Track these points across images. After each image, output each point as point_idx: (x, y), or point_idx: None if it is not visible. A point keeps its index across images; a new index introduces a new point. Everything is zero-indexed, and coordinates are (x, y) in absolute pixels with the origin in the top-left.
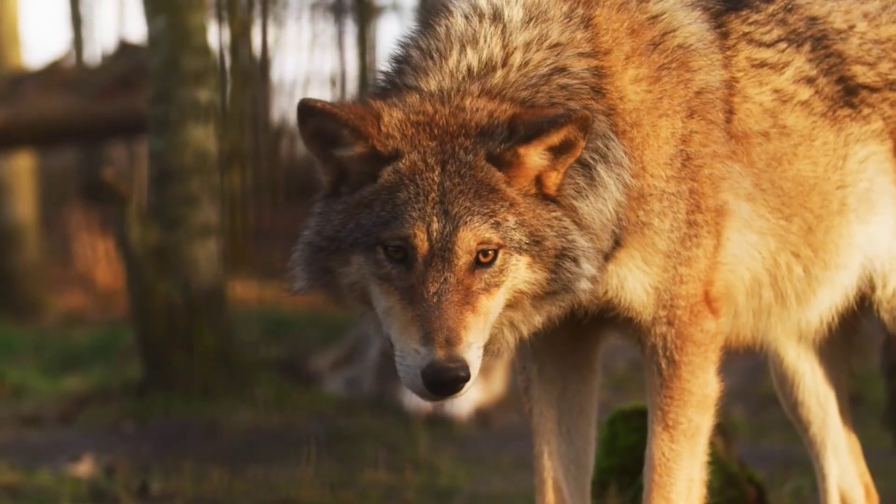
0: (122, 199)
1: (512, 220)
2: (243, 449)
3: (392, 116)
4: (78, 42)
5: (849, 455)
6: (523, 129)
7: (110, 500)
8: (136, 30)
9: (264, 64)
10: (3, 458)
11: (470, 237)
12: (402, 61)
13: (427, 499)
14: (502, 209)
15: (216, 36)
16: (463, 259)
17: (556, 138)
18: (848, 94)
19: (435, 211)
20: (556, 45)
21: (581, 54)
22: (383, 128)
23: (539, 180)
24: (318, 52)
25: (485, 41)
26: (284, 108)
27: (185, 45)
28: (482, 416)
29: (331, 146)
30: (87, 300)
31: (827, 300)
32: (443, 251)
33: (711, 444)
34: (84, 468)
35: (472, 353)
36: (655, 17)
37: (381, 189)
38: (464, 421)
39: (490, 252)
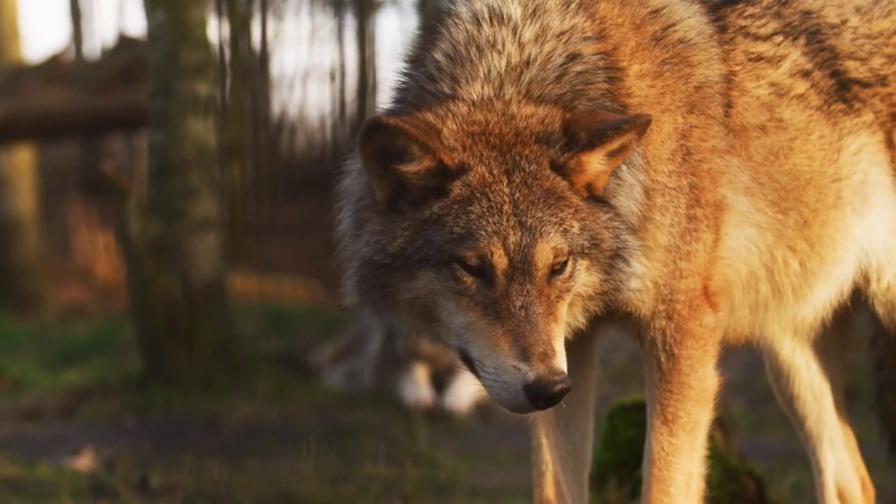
0: (122, 192)
1: (577, 225)
2: (243, 442)
3: (449, 128)
4: (78, 36)
5: (845, 449)
6: (586, 136)
7: (110, 493)
8: (136, 23)
9: (264, 58)
10: (2, 452)
11: (547, 248)
12: (428, 68)
13: (427, 492)
14: (569, 216)
15: (216, 30)
16: (542, 270)
17: (617, 144)
18: (841, 89)
19: (510, 224)
20: (561, 33)
21: (587, 38)
22: (444, 140)
23: (591, 184)
24: (318, 46)
25: (503, 43)
26: (284, 102)
27: (184, 39)
28: (482, 409)
29: (394, 161)
30: (87, 294)
31: (823, 295)
32: (523, 264)
33: (711, 437)
34: (84, 462)
35: (565, 362)
36: (656, 11)
37: (453, 204)
38: (463, 414)
39: (561, 262)
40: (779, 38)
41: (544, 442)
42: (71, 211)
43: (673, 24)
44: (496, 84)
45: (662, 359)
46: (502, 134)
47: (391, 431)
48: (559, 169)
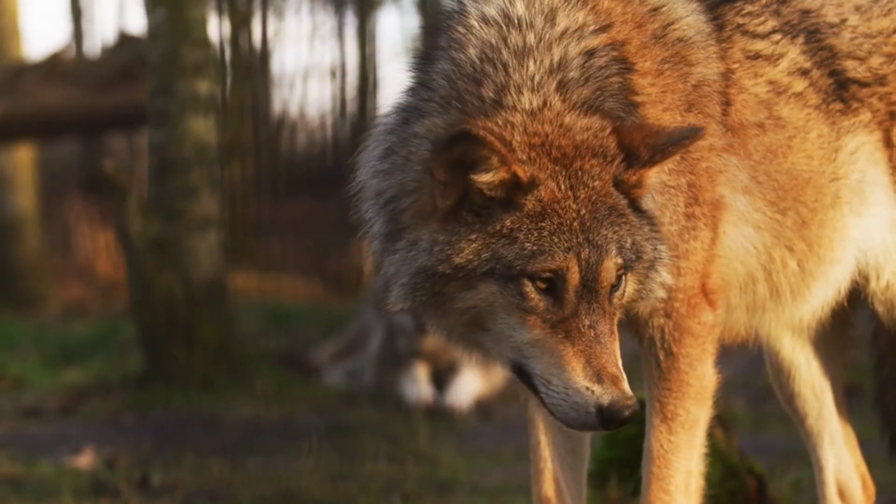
0: (122, 191)
1: (629, 241)
2: (244, 441)
3: (516, 140)
4: (78, 34)
5: (845, 446)
6: (647, 152)
7: (111, 492)
8: (136, 22)
9: (264, 56)
10: (3, 450)
11: (612, 266)
12: (464, 68)
13: (427, 491)
14: (626, 233)
15: (216, 28)
16: (606, 289)
17: (675, 157)
18: (839, 89)
19: (580, 241)
20: (574, 30)
21: (596, 31)
22: (516, 153)
23: (640, 197)
24: (319, 44)
25: (532, 49)
26: (285, 100)
27: (185, 38)
28: (482, 407)
29: (467, 171)
30: (88, 292)
31: (821, 295)
32: (591, 282)
33: (711, 435)
34: (84, 460)
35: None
36: (656, 9)
37: (524, 218)
38: (464, 413)
39: (621, 275)
40: (777, 37)
41: (542, 439)
42: (71, 210)
43: (672, 23)
44: (542, 93)
45: (661, 357)
46: (562, 147)
47: (392, 430)
48: (620, 185)
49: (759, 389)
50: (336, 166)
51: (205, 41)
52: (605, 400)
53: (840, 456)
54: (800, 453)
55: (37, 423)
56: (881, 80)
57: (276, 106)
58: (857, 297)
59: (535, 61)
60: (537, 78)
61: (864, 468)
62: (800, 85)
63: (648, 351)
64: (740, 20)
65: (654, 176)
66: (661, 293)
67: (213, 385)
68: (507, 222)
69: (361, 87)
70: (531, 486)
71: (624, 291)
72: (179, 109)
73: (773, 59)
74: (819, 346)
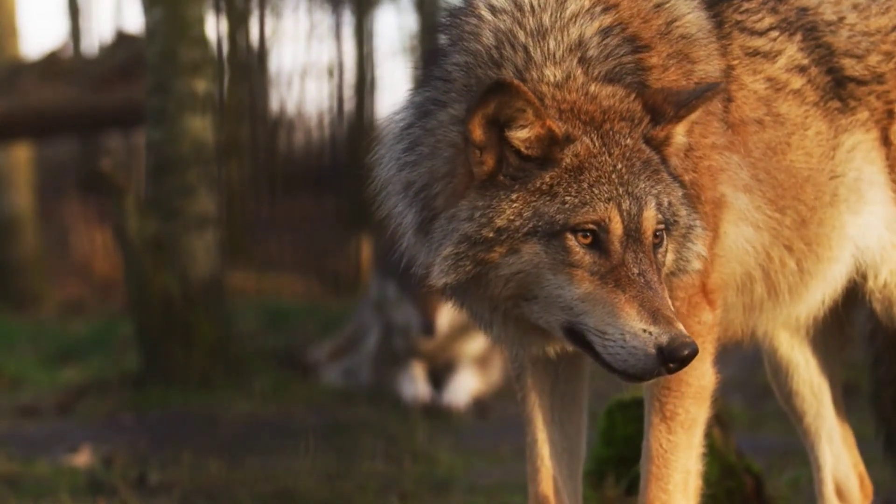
0: (119, 190)
1: (666, 200)
2: (241, 440)
3: (546, 104)
4: (75, 32)
5: (843, 445)
6: (672, 109)
7: (108, 490)
8: (134, 20)
9: (262, 55)
10: (0, 449)
11: (652, 217)
12: (481, 56)
13: (425, 489)
14: (662, 190)
15: (214, 27)
16: (650, 239)
17: (698, 112)
18: (837, 87)
19: (619, 192)
20: (587, 10)
21: (606, 9)
22: (549, 109)
23: (670, 158)
24: (316, 42)
25: (549, 29)
26: (282, 99)
27: (182, 36)
28: (480, 406)
29: (503, 128)
30: (85, 291)
31: (819, 294)
32: (635, 232)
33: (709, 434)
34: (82, 459)
35: None
36: (659, 5)
37: (563, 173)
38: (461, 411)
39: (660, 233)
40: (774, 34)
41: (539, 437)
42: (69, 208)
43: (676, 20)
44: (565, 66)
45: None
46: (590, 112)
47: (389, 428)
48: (651, 142)
49: (756, 388)
50: (333, 165)
51: (202, 40)
52: (664, 339)
53: (838, 455)
54: (797, 452)
55: (34, 422)
56: (879, 79)
57: (274, 105)
58: (855, 296)
59: (554, 40)
60: (559, 54)
61: (861, 467)
62: (798, 82)
63: None
64: (738, 17)
65: (682, 134)
66: (698, 264)
67: (210, 384)
68: (547, 178)
69: (359, 86)
70: (528, 484)
71: (666, 251)
72: (177, 108)
73: (771, 56)
74: (817, 344)
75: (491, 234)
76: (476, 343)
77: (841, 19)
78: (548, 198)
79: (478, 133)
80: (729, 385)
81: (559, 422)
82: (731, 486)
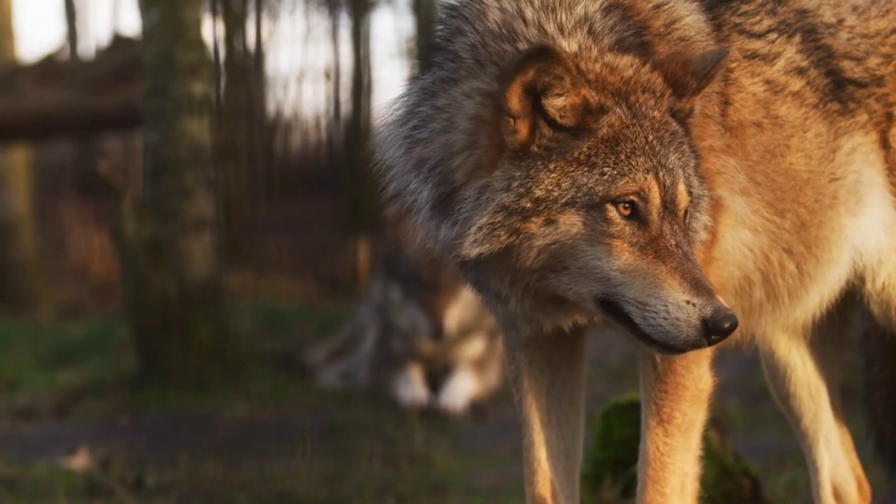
0: (117, 192)
1: (690, 174)
2: (238, 442)
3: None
4: (72, 35)
5: (841, 447)
6: (694, 81)
7: (105, 493)
8: (131, 23)
9: (259, 57)
10: None
11: (684, 190)
12: (491, 35)
13: (422, 491)
14: (689, 165)
15: (211, 29)
16: (682, 212)
17: (716, 80)
18: (836, 89)
19: (655, 164)
20: None
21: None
22: (584, 76)
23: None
24: (313, 45)
25: (557, 4)
26: (279, 101)
27: (179, 39)
28: (477, 408)
29: (539, 96)
30: (82, 293)
31: (817, 296)
32: (671, 203)
33: (706, 437)
34: (79, 461)
35: None
36: (659, 6)
37: (601, 144)
38: (458, 414)
39: (689, 206)
40: (773, 36)
41: (536, 439)
42: (66, 210)
43: (675, 22)
44: (576, 38)
45: (658, 359)
46: (613, 83)
47: (386, 431)
48: (675, 115)
49: (753, 391)
50: (330, 167)
51: (199, 42)
52: (708, 311)
53: (835, 457)
54: (795, 454)
55: (31, 424)
56: (878, 81)
57: (271, 107)
58: (853, 298)
59: (564, 13)
60: (569, 26)
61: (859, 469)
62: (797, 84)
63: (645, 353)
64: (737, 19)
65: (698, 104)
66: (704, 235)
67: (207, 386)
68: (584, 148)
69: (356, 88)
70: (525, 486)
71: (688, 225)
72: (174, 110)
73: (769, 59)
74: (815, 346)
75: (529, 205)
76: (474, 346)
77: (840, 21)
78: (586, 168)
79: (514, 101)
80: (726, 387)
81: (556, 424)
82: (729, 488)
